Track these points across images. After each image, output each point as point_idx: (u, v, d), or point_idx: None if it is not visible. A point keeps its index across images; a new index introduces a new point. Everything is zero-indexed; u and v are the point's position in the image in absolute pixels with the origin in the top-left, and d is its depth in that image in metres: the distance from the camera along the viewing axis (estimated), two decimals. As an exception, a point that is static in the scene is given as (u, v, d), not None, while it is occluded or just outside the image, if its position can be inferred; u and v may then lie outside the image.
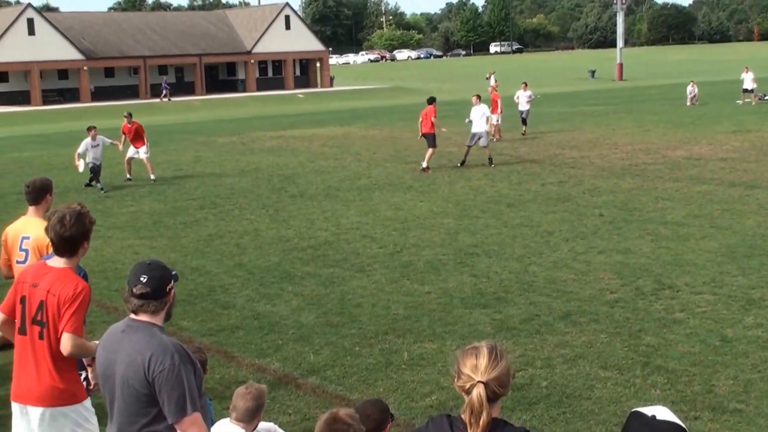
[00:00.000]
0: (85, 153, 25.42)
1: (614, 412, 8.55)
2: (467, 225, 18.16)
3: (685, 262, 14.25)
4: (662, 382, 9.22)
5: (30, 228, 8.31)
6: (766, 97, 50.94)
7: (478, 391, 3.82)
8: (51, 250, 6.82)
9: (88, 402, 6.35)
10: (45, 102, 79.04)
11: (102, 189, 25.34)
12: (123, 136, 27.52)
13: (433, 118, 27.32)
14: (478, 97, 29.20)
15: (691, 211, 18.61)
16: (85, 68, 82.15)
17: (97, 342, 6.19)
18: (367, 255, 15.83)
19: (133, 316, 5.04)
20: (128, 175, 27.06)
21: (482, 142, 27.79)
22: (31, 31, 79.28)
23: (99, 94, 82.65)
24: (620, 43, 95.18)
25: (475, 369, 3.87)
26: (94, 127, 26.45)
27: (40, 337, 6.09)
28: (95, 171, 25.80)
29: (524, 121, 37.53)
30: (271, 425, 7.03)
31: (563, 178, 24.15)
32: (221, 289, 13.83)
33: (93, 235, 17.66)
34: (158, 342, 4.88)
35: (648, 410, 3.65)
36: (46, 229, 6.36)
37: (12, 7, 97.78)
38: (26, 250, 8.32)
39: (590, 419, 8.45)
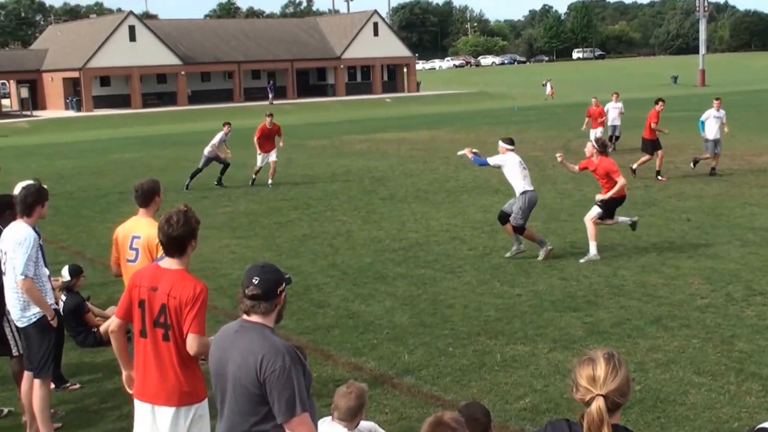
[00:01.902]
0: (219, 146, 26.03)
1: (709, 419, 8.31)
2: (555, 228, 17.93)
3: (775, 268, 13.86)
4: (757, 390, 8.94)
5: (140, 228, 8.38)
6: None
7: (598, 405, 3.65)
8: (161, 251, 6.89)
9: (207, 401, 6.38)
10: (144, 105, 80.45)
11: (187, 187, 25.79)
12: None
13: (652, 123, 25.34)
14: (617, 94, 32.27)
15: (780, 217, 18.13)
16: (182, 73, 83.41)
17: (211, 338, 6.25)
18: (458, 257, 15.71)
19: (245, 317, 5.03)
20: (270, 181, 26.20)
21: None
22: (132, 38, 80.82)
23: (195, 98, 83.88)
24: (702, 49, 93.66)
25: (593, 381, 3.69)
26: (229, 123, 26.89)
27: (165, 338, 6.13)
28: (206, 165, 26.25)
29: (616, 138, 32.60)
30: (371, 424, 6.97)
31: (649, 182, 23.73)
32: (316, 289, 13.83)
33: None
34: (270, 343, 4.87)
35: None
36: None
37: (114, 15, 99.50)
38: (137, 249, 8.39)
39: (685, 425, 8.22)
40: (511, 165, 15.40)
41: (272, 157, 26.17)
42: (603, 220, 15.58)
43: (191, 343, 6.05)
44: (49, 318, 8.24)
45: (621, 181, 15.25)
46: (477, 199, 21.97)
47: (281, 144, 27.24)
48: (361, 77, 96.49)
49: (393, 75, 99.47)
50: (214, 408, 5.46)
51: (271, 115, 26.79)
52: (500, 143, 15.75)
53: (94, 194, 25.71)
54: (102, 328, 10.90)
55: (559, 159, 16.40)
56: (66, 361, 10.89)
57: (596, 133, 30.10)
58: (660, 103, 26.07)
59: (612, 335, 10.90)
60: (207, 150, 26.30)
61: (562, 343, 10.68)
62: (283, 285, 5.05)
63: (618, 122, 32.78)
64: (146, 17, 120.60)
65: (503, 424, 8.41)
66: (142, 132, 54.84)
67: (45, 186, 8.80)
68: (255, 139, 26.13)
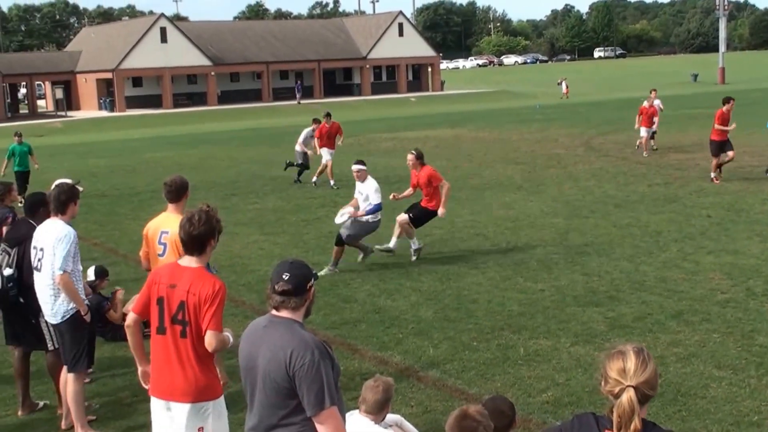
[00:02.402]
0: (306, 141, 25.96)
1: (730, 412, 8.25)
2: (577, 225, 17.85)
3: (796, 263, 13.74)
4: (777, 384, 8.87)
5: (169, 223, 8.41)
6: None
7: (629, 395, 3.68)
8: None
9: (223, 398, 6.37)
10: (175, 105, 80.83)
11: (297, 180, 25.95)
12: (314, 140, 26.17)
13: (716, 124, 23.28)
14: (654, 91, 32.06)
15: (800, 213, 17.97)
16: (212, 73, 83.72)
17: (227, 333, 6.26)
18: (481, 252, 15.68)
19: (274, 312, 5.02)
20: (332, 181, 25.22)
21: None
22: (164, 39, 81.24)
23: (225, 98, 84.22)
24: (722, 47, 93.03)
25: (624, 373, 3.72)
26: (318, 120, 26.56)
27: (182, 335, 6.11)
28: (305, 159, 26.27)
29: (652, 135, 30.84)
30: (398, 417, 6.97)
31: (669, 179, 23.58)
32: (343, 284, 13.84)
33: (255, 230, 17.74)
34: (299, 338, 4.87)
35: None
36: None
37: (146, 17, 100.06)
38: (165, 244, 8.44)
39: (706, 418, 8.16)
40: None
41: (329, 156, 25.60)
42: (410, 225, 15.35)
43: (210, 340, 6.04)
44: (83, 313, 8.29)
45: (448, 185, 15.37)
46: (500, 196, 21.90)
47: (340, 143, 26.92)
48: (387, 77, 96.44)
49: (418, 74, 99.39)
50: (231, 404, 5.46)
51: (328, 114, 26.29)
52: (361, 167, 15.22)
53: (126, 192, 25.84)
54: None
55: (392, 198, 15.87)
56: (99, 354, 10.97)
57: (645, 131, 29.73)
58: (730, 102, 23.98)
59: (634, 330, 10.84)
60: (297, 147, 26.13)
61: (584, 337, 10.63)
62: (312, 281, 5.05)
63: (655, 119, 30.82)
64: (177, 19, 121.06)
65: (526, 417, 8.38)
66: (173, 131, 55.06)
67: (79, 185, 8.86)
68: (315, 140, 25.92)
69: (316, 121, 26.51)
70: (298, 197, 23.39)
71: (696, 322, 11.00)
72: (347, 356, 10.33)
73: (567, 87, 78.10)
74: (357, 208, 14.84)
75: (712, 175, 22.98)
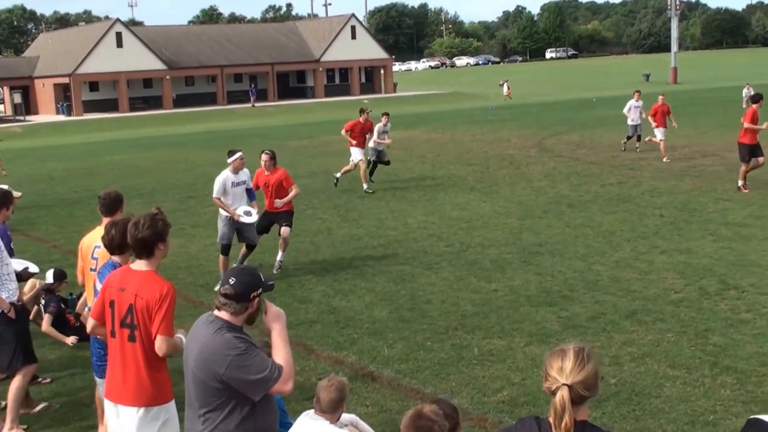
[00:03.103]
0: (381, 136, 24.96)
1: (684, 411, 8.22)
2: (530, 225, 17.85)
3: (748, 262, 13.77)
4: (731, 383, 8.85)
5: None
6: None
7: (562, 394, 3.66)
8: (110, 257, 7.04)
9: (173, 402, 6.29)
10: (132, 109, 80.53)
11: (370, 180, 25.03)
12: (362, 137, 24.43)
13: (745, 123, 21.06)
14: (638, 93, 30.97)
15: (752, 212, 18.06)
16: (167, 77, 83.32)
17: (180, 335, 6.20)
18: (435, 253, 15.62)
19: (215, 311, 5.05)
20: (365, 185, 24.00)
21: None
22: (120, 44, 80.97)
23: (180, 102, 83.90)
24: (674, 47, 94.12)
25: (561, 371, 3.71)
26: (388, 114, 25.81)
27: (131, 339, 6.05)
28: (381, 159, 25.34)
29: (639, 138, 30.07)
30: (353, 417, 6.92)
31: (622, 179, 23.67)
32: (298, 285, 13.74)
33: (179, 233, 17.69)
34: (224, 339, 4.91)
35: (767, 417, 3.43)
36: (102, 238, 6.74)
37: (102, 22, 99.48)
38: (97, 259, 8.25)
39: (660, 417, 8.13)
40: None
41: (362, 155, 24.29)
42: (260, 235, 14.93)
43: (160, 345, 5.98)
44: (5, 311, 8.29)
45: (296, 189, 14.87)
46: (453, 197, 21.88)
47: (371, 143, 25.57)
48: (340, 79, 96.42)
49: (370, 76, 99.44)
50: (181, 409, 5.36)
51: (365, 110, 24.98)
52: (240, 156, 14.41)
53: (85, 195, 25.53)
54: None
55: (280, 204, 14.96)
56: (59, 354, 10.84)
57: (661, 133, 27.80)
58: (758, 102, 21.63)
59: (587, 329, 10.82)
60: (372, 143, 25.19)
61: (539, 337, 10.60)
62: (259, 290, 5.02)
63: (639, 121, 30.15)
64: (132, 24, 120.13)
65: (482, 417, 8.32)
66: (129, 135, 54.64)
67: (15, 192, 8.80)
68: (343, 132, 24.64)
69: (385, 115, 25.57)
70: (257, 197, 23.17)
71: (650, 322, 11.00)
72: (303, 356, 10.22)
73: (509, 89, 78.38)
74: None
75: (740, 183, 20.76)
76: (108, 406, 6.26)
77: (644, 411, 8.30)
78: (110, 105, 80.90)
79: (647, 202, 19.87)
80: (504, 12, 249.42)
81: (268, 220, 15.01)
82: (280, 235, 14.85)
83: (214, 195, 14.27)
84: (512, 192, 22.29)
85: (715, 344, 10.04)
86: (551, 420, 3.73)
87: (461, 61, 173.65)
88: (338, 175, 24.95)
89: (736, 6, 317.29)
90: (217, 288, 5.09)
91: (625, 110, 30.77)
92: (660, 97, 28.88)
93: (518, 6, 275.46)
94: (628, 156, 28.84)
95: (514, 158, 29.57)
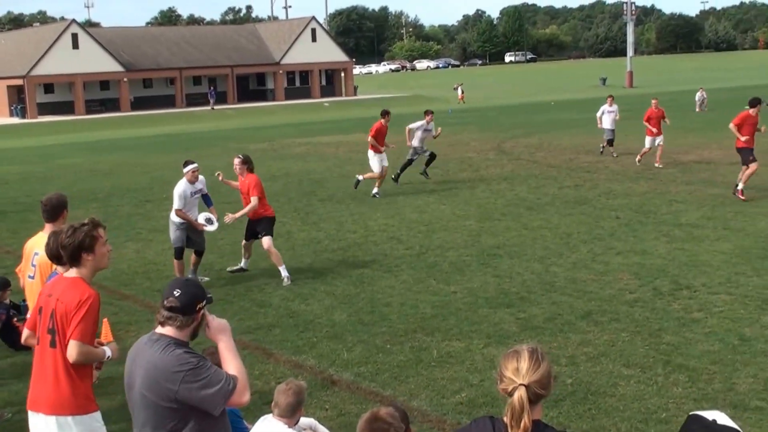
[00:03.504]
0: (417, 133, 24.63)
1: (638, 410, 8.38)
2: (489, 227, 18.00)
3: (700, 263, 14.03)
4: (684, 381, 9.03)
5: (41, 244, 7.83)
6: None
7: (520, 394, 3.74)
8: (54, 267, 6.93)
9: (98, 414, 6.16)
10: (88, 112, 79.53)
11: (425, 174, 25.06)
12: (372, 139, 23.32)
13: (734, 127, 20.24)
14: (612, 98, 30.08)
15: (704, 213, 18.37)
16: (125, 80, 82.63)
17: (105, 347, 6.19)
18: (395, 256, 15.70)
19: (158, 329, 4.87)
20: (375, 190, 23.14)
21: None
22: (75, 46, 79.97)
23: (138, 104, 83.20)
24: (630, 51, 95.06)
25: (517, 372, 3.79)
26: (432, 112, 25.38)
27: (52, 345, 5.98)
28: (416, 156, 24.99)
29: (611, 142, 29.80)
30: (311, 421, 6.96)
31: (579, 181, 23.92)
32: (257, 289, 13.75)
33: (135, 237, 17.61)
34: (175, 356, 4.72)
35: (708, 414, 3.54)
36: (44, 247, 6.64)
37: (58, 23, 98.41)
38: (35, 266, 8.13)
39: (615, 416, 8.28)
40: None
41: (385, 162, 23.38)
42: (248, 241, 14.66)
43: (71, 350, 5.87)
44: None
45: (253, 202, 14.15)
46: (413, 200, 21.99)
47: (415, 141, 25.13)
48: (300, 82, 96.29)
49: (331, 79, 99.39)
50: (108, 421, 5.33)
51: (388, 113, 23.88)
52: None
53: (39, 199, 25.20)
54: None
55: (219, 178, 15.12)
56: (13, 361, 10.79)
57: (655, 141, 26.56)
58: (756, 105, 20.47)
59: (544, 330, 10.96)
60: (415, 142, 24.81)
61: (497, 338, 10.72)
62: (203, 302, 4.91)
63: (613, 126, 29.72)
64: (89, 25, 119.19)
65: (440, 419, 8.42)
66: (86, 138, 54.12)
67: None
68: (370, 138, 23.35)
69: (429, 113, 25.12)
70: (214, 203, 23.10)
71: (605, 322, 11.17)
72: (262, 361, 10.28)
73: (463, 92, 78.49)
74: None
75: (740, 186, 20.01)
76: (30, 414, 6.15)
77: (599, 410, 8.44)
78: (66, 107, 79.97)
79: (603, 204, 20.11)
80: (464, 16, 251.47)
81: (251, 227, 14.73)
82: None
83: (176, 207, 14.10)
84: (471, 195, 22.45)
85: (668, 343, 10.23)
86: (507, 420, 3.80)
87: (421, 64, 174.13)
88: (376, 190, 23.13)
89: (689, 12, 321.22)
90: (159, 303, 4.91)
91: (598, 114, 30.49)
92: (653, 101, 27.65)
93: (478, 10, 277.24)
94: (584, 159, 29.12)
95: (474, 161, 29.75)
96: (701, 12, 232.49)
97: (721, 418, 3.51)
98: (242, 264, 15.04)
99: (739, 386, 8.83)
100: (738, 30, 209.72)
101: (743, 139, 20.25)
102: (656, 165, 26.15)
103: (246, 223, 14.79)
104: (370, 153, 23.47)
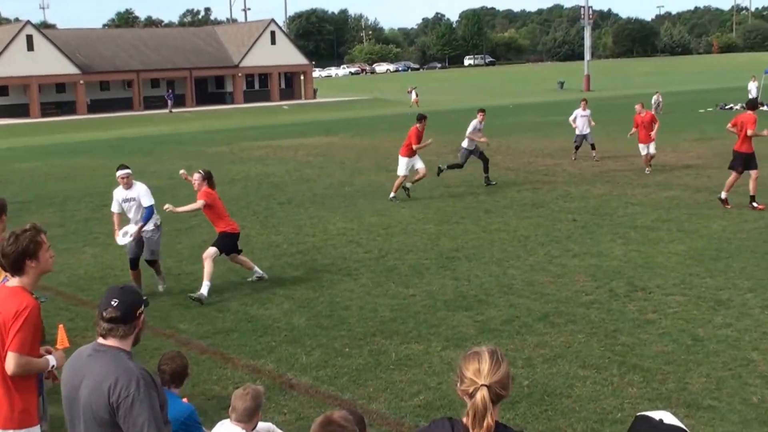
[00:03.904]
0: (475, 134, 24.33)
1: (594, 410, 8.49)
2: (447, 230, 18.10)
3: (655, 264, 14.23)
4: (638, 381, 9.17)
5: None
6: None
7: (482, 394, 3.78)
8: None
9: (36, 430, 6.01)
10: (43, 114, 78.83)
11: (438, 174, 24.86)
12: (410, 146, 22.63)
13: (748, 130, 18.69)
14: (585, 102, 29.54)
15: (659, 215, 18.60)
16: (81, 82, 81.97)
17: (50, 357, 6.03)
18: (354, 259, 15.74)
19: (101, 340, 4.78)
20: (393, 194, 22.59)
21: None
22: (30, 47, 79.14)
23: (94, 107, 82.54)
24: (587, 55, 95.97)
25: (478, 373, 3.82)
26: (484, 111, 24.92)
27: None
28: (465, 160, 24.68)
29: (593, 146, 29.26)
30: (269, 425, 6.97)
31: (537, 184, 24.11)
32: (215, 293, 13.68)
33: (93, 242, 17.42)
34: (124, 368, 4.63)
35: (655, 414, 3.62)
36: None
37: (12, 24, 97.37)
38: None
39: (571, 417, 8.39)
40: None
41: (420, 163, 22.83)
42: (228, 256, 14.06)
43: (8, 362, 5.72)
44: None
45: (198, 203, 13.68)
46: (372, 203, 22.04)
47: (464, 142, 24.98)
48: (259, 85, 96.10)
49: (290, 82, 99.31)
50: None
51: (425, 118, 23.12)
52: (127, 171, 13.86)
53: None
54: None
55: (183, 176, 14.79)
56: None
57: (648, 148, 25.46)
58: (752, 109, 19.61)
59: (502, 332, 11.06)
60: (465, 143, 24.48)
61: (455, 341, 10.80)
62: (142, 307, 4.85)
63: (587, 131, 29.29)
64: (44, 27, 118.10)
65: (399, 421, 8.47)
66: (41, 141, 53.56)
67: None
68: (416, 146, 22.50)
69: (481, 112, 24.68)
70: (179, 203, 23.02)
71: (562, 324, 11.29)
72: (220, 365, 10.27)
73: (417, 95, 78.45)
74: (136, 222, 13.85)
75: (723, 195, 19.20)
76: None
77: (556, 411, 8.54)
78: (21, 110, 79.20)
79: (561, 207, 20.30)
80: (423, 19, 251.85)
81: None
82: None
83: (112, 209, 14.07)
84: (430, 198, 22.54)
85: (624, 344, 10.37)
86: (467, 422, 3.83)
87: (381, 67, 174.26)
88: (408, 185, 22.92)
89: (645, 16, 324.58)
90: (97, 315, 4.79)
91: (570, 119, 30.05)
92: (637, 106, 26.57)
93: (437, 13, 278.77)
94: (542, 162, 29.35)
95: (434, 164, 29.82)
96: (657, 16, 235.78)
97: (668, 417, 3.60)
98: (257, 272, 14.45)
99: (692, 386, 8.98)
100: (693, 34, 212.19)
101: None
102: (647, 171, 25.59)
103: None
104: (402, 157, 22.76)
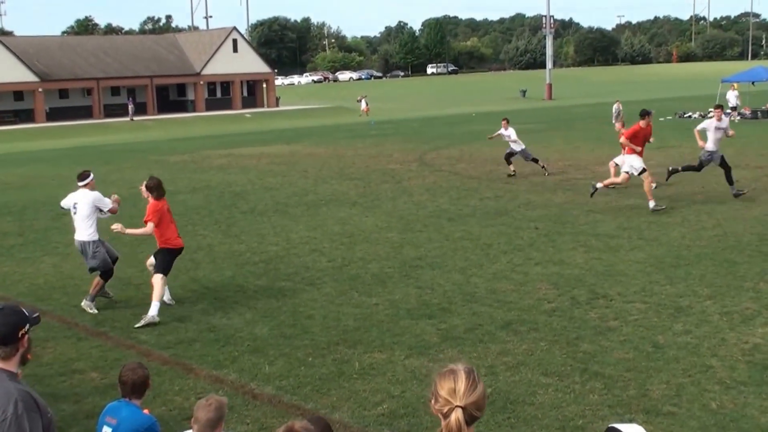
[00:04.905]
0: (708, 134, 21.68)
1: (556, 417, 8.56)
2: (411, 239, 18.15)
3: (616, 272, 14.37)
4: (600, 388, 9.26)
5: None
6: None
7: (457, 416, 3.69)
8: None
9: None
10: (1, 123, 78.03)
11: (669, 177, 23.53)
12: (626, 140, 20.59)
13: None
14: (507, 121, 27.91)
15: (620, 223, 18.77)
16: (39, 90, 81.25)
17: None
18: (317, 268, 15.75)
19: None
20: (652, 203, 20.30)
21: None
22: (-13, 55, 78.31)
23: (54, 115, 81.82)
24: (549, 64, 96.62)
25: (453, 393, 3.72)
26: (721, 107, 22.59)
27: None
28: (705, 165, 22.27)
29: (535, 160, 28.07)
30: (231, 436, 6.95)
31: (499, 193, 24.24)
32: (177, 303, 13.65)
33: (52, 251, 17.26)
34: (3, 390, 4.51)
35: (624, 427, 3.65)
36: None
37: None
38: None
39: (534, 424, 8.45)
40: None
41: (628, 166, 20.58)
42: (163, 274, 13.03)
43: None
44: None
45: (147, 228, 13.02)
46: (335, 212, 22.05)
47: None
48: (221, 93, 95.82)
49: (253, 90, 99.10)
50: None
51: (648, 114, 20.94)
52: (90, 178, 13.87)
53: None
54: None
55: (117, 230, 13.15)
56: None
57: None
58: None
59: (465, 341, 11.11)
60: (710, 145, 21.52)
61: (418, 349, 10.84)
62: (26, 327, 4.72)
63: (522, 146, 28.04)
64: (1, 34, 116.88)
65: (362, 430, 8.49)
66: (-1, 150, 53.13)
67: None
68: (623, 140, 20.68)
69: (718, 107, 22.35)
70: (132, 216, 22.77)
71: (524, 332, 11.37)
72: (182, 376, 10.23)
73: (367, 104, 78.39)
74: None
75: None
76: None
77: (518, 419, 8.60)
78: (-23, 119, 78.50)
79: (523, 215, 20.42)
80: (386, 27, 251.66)
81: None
82: None
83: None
84: (393, 206, 22.60)
85: (585, 351, 10.46)
86: None
87: (344, 75, 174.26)
88: (653, 204, 20.16)
89: (606, 25, 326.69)
90: None
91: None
92: (616, 125, 25.28)
93: (400, 21, 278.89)
94: (505, 170, 29.44)
95: (396, 173, 29.93)
96: (618, 26, 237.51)
97: (637, 431, 3.64)
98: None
99: (652, 392, 9.08)
100: (653, 44, 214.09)
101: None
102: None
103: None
104: (629, 156, 20.73)
